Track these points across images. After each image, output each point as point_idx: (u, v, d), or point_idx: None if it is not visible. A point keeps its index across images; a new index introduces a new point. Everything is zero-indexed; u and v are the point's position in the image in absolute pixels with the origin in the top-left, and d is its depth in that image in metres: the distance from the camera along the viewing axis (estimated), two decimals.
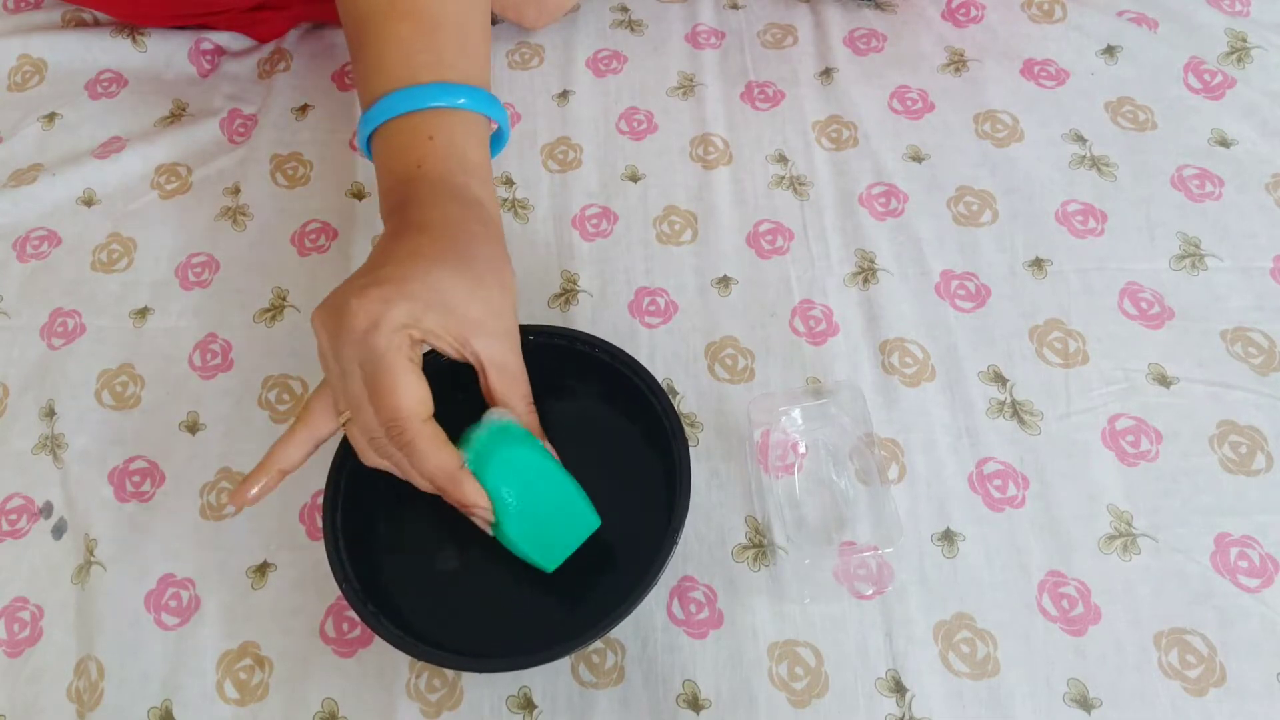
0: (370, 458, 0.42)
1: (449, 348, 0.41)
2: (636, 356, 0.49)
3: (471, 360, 0.42)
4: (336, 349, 0.39)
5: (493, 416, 0.43)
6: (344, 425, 0.42)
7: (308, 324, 0.58)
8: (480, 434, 0.42)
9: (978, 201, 0.61)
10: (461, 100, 0.46)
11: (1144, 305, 0.56)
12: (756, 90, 0.67)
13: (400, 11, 0.47)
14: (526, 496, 0.43)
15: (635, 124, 0.66)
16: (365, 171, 0.65)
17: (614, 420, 0.50)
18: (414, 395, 0.39)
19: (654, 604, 0.49)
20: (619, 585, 0.44)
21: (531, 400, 0.44)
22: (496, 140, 0.50)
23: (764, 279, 0.59)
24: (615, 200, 0.63)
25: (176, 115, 0.68)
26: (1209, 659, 0.46)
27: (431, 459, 0.40)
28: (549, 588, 0.46)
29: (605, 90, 0.68)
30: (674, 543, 0.43)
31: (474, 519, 0.43)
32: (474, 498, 0.41)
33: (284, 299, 0.60)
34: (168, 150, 0.66)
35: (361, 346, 0.38)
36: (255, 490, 0.42)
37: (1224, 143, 0.62)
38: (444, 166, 0.45)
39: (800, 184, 0.62)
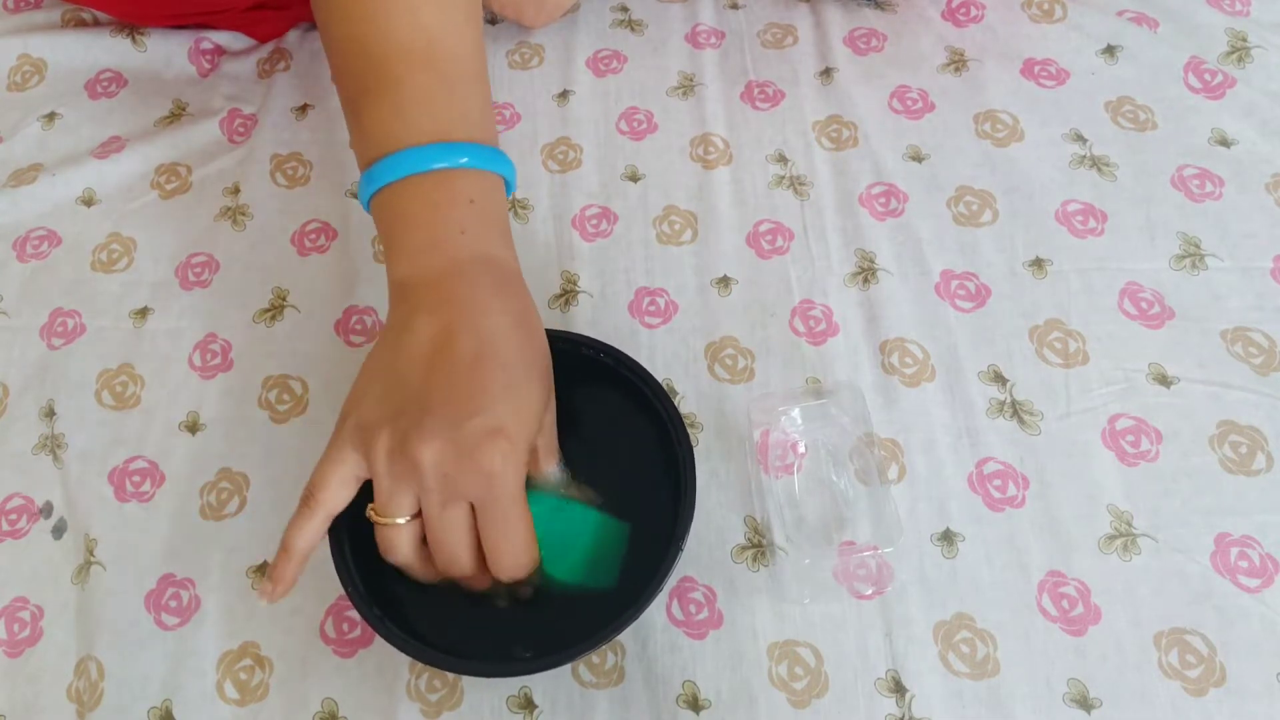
0: (415, 565, 0.43)
1: None
2: (636, 357, 0.49)
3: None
4: (448, 488, 0.40)
5: None
6: (387, 530, 0.42)
7: (308, 324, 0.58)
8: None
9: (978, 201, 0.61)
10: (497, 168, 0.45)
11: (1144, 305, 0.56)
12: (756, 90, 0.67)
13: (423, 61, 0.44)
14: (552, 536, 0.44)
15: (635, 124, 0.66)
16: None
17: (618, 426, 0.50)
18: (531, 524, 0.42)
19: (654, 605, 0.48)
20: (624, 591, 0.44)
21: (559, 458, 0.46)
22: None
23: (764, 279, 0.59)
24: (615, 200, 0.63)
25: (176, 115, 0.68)
26: (1209, 659, 0.46)
27: (535, 562, 0.43)
28: (554, 592, 0.46)
29: (605, 90, 0.68)
30: (679, 549, 0.43)
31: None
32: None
33: (284, 299, 0.60)
34: (168, 150, 0.66)
35: (491, 489, 0.40)
36: (287, 585, 0.42)
37: (1224, 143, 0.62)
38: (486, 237, 0.44)
39: (800, 184, 0.62)
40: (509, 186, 0.47)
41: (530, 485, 0.44)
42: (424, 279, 0.43)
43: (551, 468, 0.45)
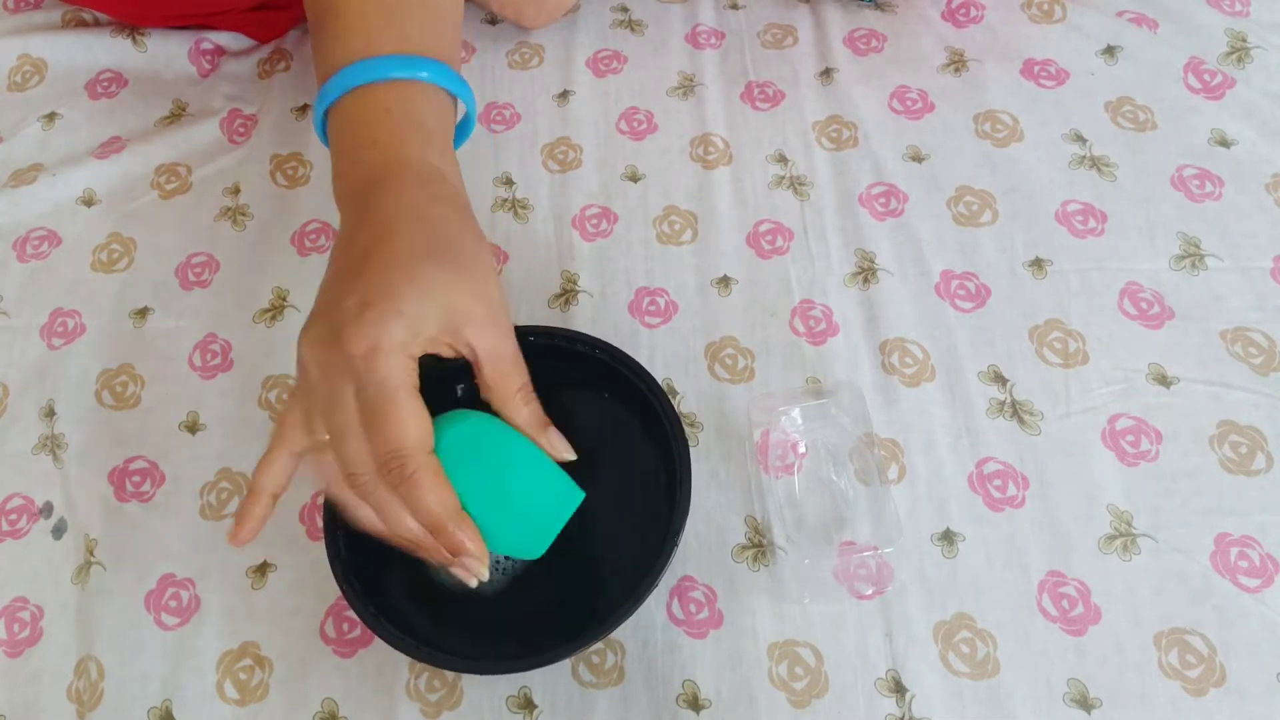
0: (343, 494, 0.39)
1: (446, 350, 0.39)
2: (636, 356, 0.49)
3: (465, 354, 0.39)
4: (328, 376, 0.37)
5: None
6: (314, 451, 0.39)
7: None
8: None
9: (978, 201, 0.61)
10: (424, 74, 0.43)
11: (1144, 305, 0.56)
12: (756, 90, 0.67)
13: None
14: (487, 475, 0.38)
15: (635, 124, 0.66)
16: None
17: (614, 422, 0.50)
18: (421, 426, 0.37)
19: (654, 604, 0.49)
20: (620, 587, 0.44)
21: (530, 389, 0.41)
22: (462, 129, 0.47)
23: (764, 279, 0.59)
24: (615, 200, 0.63)
25: (176, 115, 0.68)
26: (1209, 659, 0.46)
27: (433, 494, 0.37)
28: (549, 588, 0.46)
29: (605, 90, 0.68)
30: (674, 545, 0.43)
31: (461, 569, 0.39)
32: (473, 540, 0.38)
33: (284, 299, 0.60)
34: (168, 150, 0.66)
35: (358, 374, 0.36)
36: (255, 522, 0.40)
37: (1224, 143, 0.62)
38: (400, 139, 0.42)
39: (800, 184, 0.62)
40: (442, 79, 0.44)
41: (486, 412, 0.40)
42: (343, 199, 0.42)
43: (512, 395, 0.40)
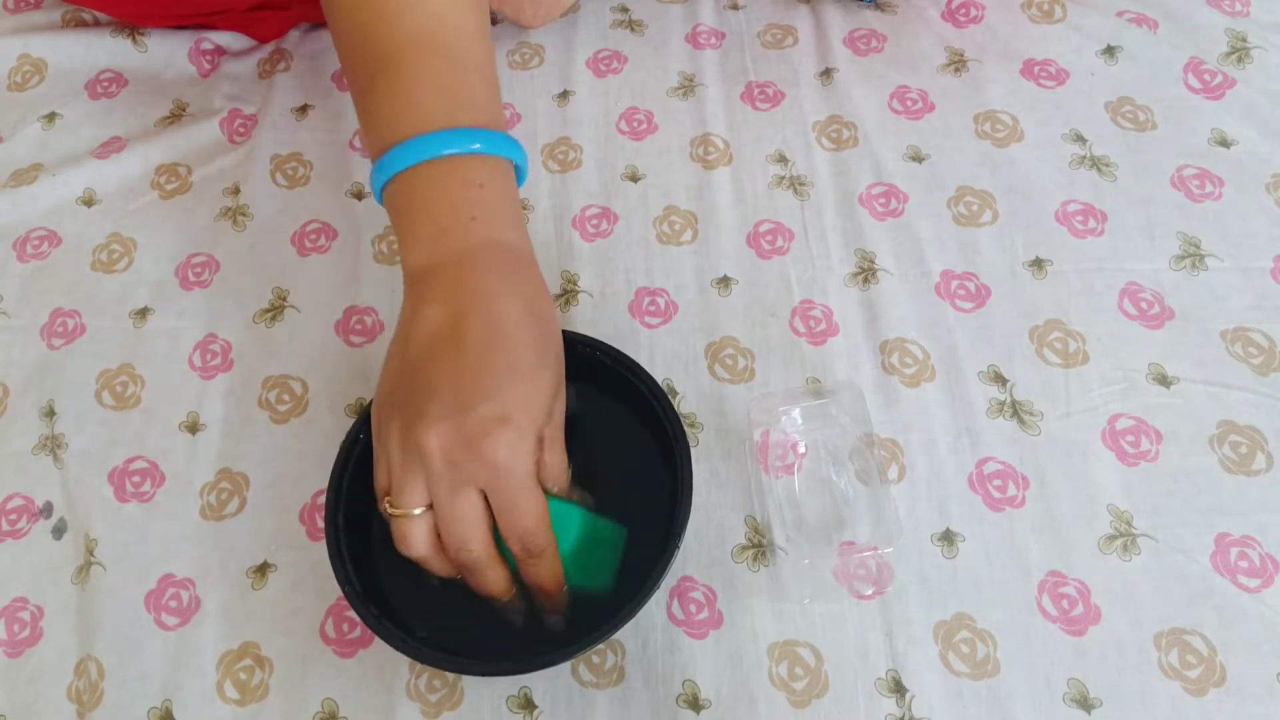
0: (432, 559, 0.42)
1: None
2: (636, 357, 0.49)
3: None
4: (458, 472, 0.39)
5: None
6: (398, 516, 0.41)
7: (308, 324, 0.58)
8: None
9: (978, 201, 0.61)
10: (506, 152, 0.44)
11: (1144, 305, 0.56)
12: (756, 90, 0.67)
13: (430, 47, 0.44)
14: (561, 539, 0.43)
15: (635, 124, 0.66)
16: (365, 171, 0.65)
17: (615, 424, 0.50)
18: (545, 511, 0.42)
19: (654, 604, 0.49)
20: (622, 589, 0.44)
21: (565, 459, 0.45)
22: None
23: (764, 279, 0.59)
24: (615, 200, 0.63)
25: (176, 115, 0.68)
26: (1209, 659, 0.46)
27: (552, 561, 0.43)
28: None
29: (605, 90, 0.68)
30: (676, 548, 0.43)
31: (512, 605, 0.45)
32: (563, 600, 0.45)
33: (284, 299, 0.60)
34: (168, 150, 0.66)
35: (493, 473, 0.39)
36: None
37: (1224, 143, 0.62)
38: (497, 218, 0.43)
39: (800, 184, 0.62)
40: (520, 172, 0.46)
41: None
42: (435, 267, 0.42)
43: (556, 459, 0.44)
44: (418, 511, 0.41)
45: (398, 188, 0.43)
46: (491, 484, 0.40)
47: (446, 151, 0.43)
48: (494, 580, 0.43)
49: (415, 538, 0.41)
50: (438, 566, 0.43)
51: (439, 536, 0.41)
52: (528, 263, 0.44)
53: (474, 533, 0.41)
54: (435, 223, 0.43)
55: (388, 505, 0.41)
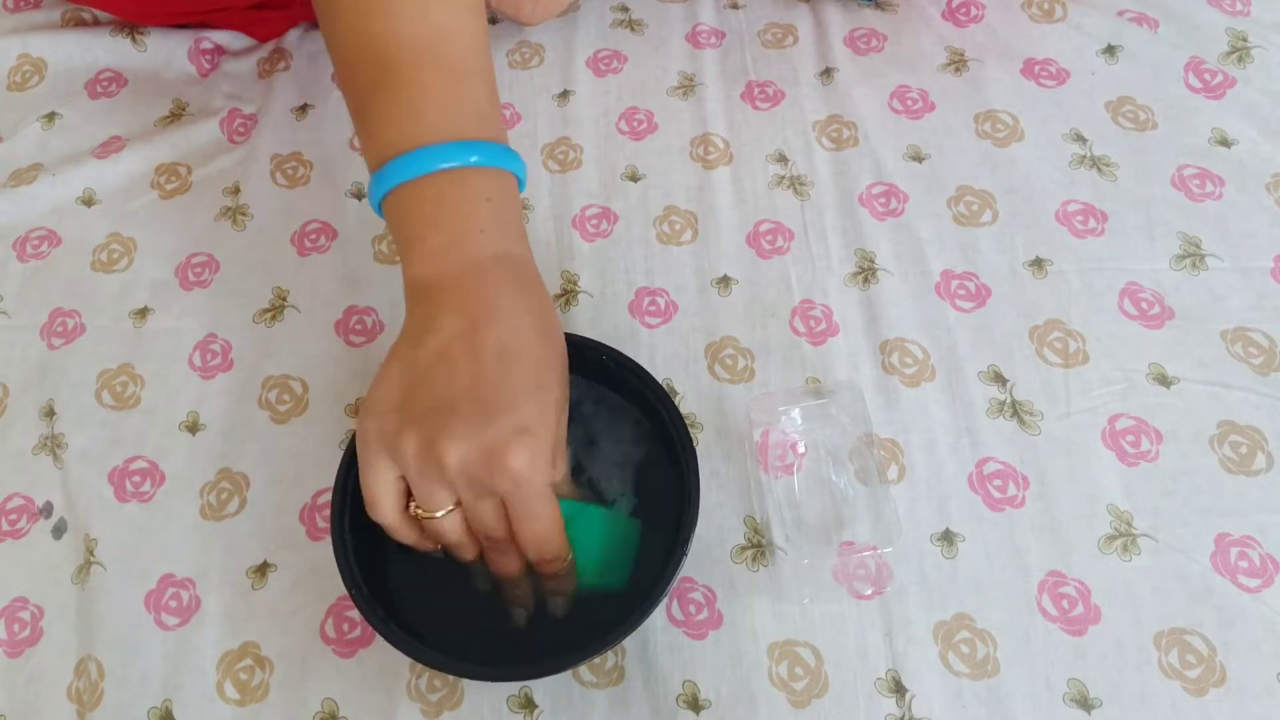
0: (464, 546, 0.44)
1: None
2: (636, 357, 0.49)
3: None
4: (477, 479, 0.40)
5: None
6: (428, 519, 0.42)
7: (308, 324, 0.58)
8: None
9: (978, 201, 0.61)
10: (510, 166, 0.44)
11: (1144, 305, 0.56)
12: (756, 90, 0.67)
13: (433, 59, 0.44)
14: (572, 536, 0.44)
15: (635, 124, 0.66)
16: (365, 171, 0.65)
17: (619, 429, 0.50)
18: (559, 514, 0.43)
19: None
20: (627, 596, 0.44)
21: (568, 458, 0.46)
22: None
23: (764, 279, 0.59)
24: (615, 200, 0.63)
25: (176, 115, 0.68)
26: (1209, 659, 0.46)
27: (568, 569, 0.45)
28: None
29: (605, 90, 0.68)
30: (684, 554, 0.43)
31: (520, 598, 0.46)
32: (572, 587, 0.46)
33: (284, 299, 0.60)
34: (168, 150, 0.66)
35: (512, 480, 0.40)
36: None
37: (1224, 143, 0.62)
38: (504, 231, 0.44)
39: (800, 184, 0.62)
40: (521, 184, 0.47)
41: None
42: (445, 278, 0.42)
43: (562, 467, 0.45)
44: (443, 513, 0.42)
45: (402, 198, 0.43)
46: (512, 494, 0.40)
47: (453, 164, 0.43)
48: (513, 561, 0.44)
49: (452, 533, 0.43)
50: (468, 552, 0.44)
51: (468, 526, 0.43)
52: (534, 276, 0.45)
53: (499, 523, 0.42)
54: (443, 235, 0.43)
55: (417, 510, 0.42)
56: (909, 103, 0.66)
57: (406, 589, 0.46)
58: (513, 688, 0.47)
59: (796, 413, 0.51)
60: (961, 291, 0.57)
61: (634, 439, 0.49)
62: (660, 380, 0.50)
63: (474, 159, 0.43)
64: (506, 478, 0.39)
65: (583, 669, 0.47)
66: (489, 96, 0.46)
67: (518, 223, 0.45)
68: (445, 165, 0.42)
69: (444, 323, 0.41)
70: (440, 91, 0.44)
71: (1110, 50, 0.66)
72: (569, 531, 0.44)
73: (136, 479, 0.54)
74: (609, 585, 0.46)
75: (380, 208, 0.45)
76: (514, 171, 0.45)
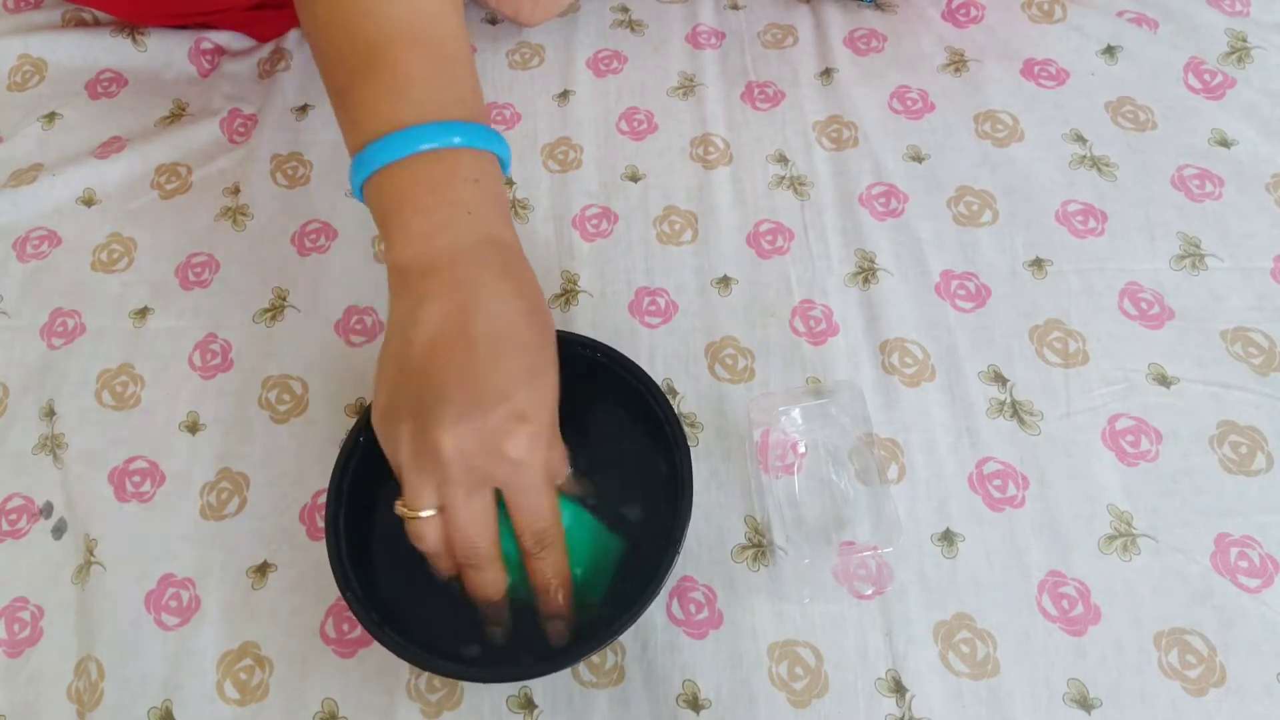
0: (442, 556, 0.43)
1: None
2: (636, 357, 0.49)
3: None
4: (474, 471, 0.40)
5: None
6: (411, 518, 0.42)
7: (308, 324, 0.58)
8: None
9: (978, 201, 0.61)
10: (495, 147, 0.44)
11: (1144, 305, 0.56)
12: (756, 90, 0.67)
13: (415, 42, 0.43)
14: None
15: (635, 124, 0.66)
16: None
17: (615, 426, 0.50)
18: (557, 507, 0.43)
19: (654, 605, 0.48)
20: (621, 595, 0.44)
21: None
22: None
23: (764, 279, 0.59)
24: (615, 200, 0.63)
25: (176, 115, 0.68)
26: (1209, 659, 0.46)
27: (561, 554, 0.44)
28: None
29: (605, 90, 0.68)
30: (677, 551, 0.43)
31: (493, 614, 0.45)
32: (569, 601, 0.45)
33: (284, 299, 0.60)
34: (168, 150, 0.66)
35: (510, 470, 0.40)
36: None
37: (1224, 143, 0.62)
38: (492, 213, 0.43)
39: (800, 184, 0.62)
40: (505, 166, 0.46)
41: None
42: (430, 264, 0.41)
43: (558, 453, 0.44)
44: (426, 514, 0.41)
45: (384, 181, 0.42)
46: (511, 481, 0.40)
47: (435, 145, 0.42)
48: (493, 580, 0.43)
49: (430, 536, 0.42)
50: (444, 565, 0.43)
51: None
52: (520, 258, 0.44)
53: (484, 531, 0.41)
54: (429, 218, 0.42)
55: (401, 508, 0.41)
56: (909, 103, 0.66)
57: (405, 589, 0.46)
58: (513, 688, 0.47)
59: (797, 413, 0.51)
60: (961, 291, 0.57)
61: (628, 436, 0.49)
62: (660, 380, 0.50)
63: (457, 140, 0.42)
64: (507, 465, 0.39)
65: (582, 669, 0.47)
66: (471, 80, 0.46)
67: (503, 205, 0.45)
68: (427, 146, 0.42)
69: (429, 311, 0.41)
70: (422, 75, 0.43)
71: (1110, 51, 0.66)
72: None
73: (136, 479, 0.54)
74: (586, 594, 0.46)
75: (362, 192, 0.44)
76: (498, 153, 0.45)
